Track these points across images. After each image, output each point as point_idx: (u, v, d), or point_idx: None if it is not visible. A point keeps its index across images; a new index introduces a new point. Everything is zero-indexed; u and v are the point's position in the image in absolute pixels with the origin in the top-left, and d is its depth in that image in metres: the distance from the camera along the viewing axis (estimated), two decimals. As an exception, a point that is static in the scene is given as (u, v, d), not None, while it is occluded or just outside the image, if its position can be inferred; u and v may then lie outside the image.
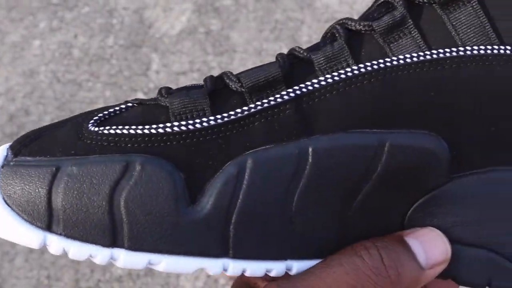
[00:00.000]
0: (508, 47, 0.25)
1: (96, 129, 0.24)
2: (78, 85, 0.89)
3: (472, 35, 0.25)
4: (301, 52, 0.26)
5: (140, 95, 0.86)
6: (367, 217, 0.25)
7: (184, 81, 0.87)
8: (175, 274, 0.68)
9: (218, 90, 0.25)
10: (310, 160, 0.24)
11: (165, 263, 0.23)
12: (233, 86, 0.25)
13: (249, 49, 0.90)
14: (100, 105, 0.85)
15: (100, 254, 0.23)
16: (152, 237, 0.23)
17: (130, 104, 0.25)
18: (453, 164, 0.25)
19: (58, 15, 0.96)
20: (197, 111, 0.24)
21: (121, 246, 0.23)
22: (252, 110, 0.24)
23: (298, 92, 0.24)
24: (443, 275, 0.26)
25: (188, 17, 0.95)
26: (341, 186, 0.24)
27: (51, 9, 0.96)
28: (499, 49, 0.25)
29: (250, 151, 0.24)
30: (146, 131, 0.24)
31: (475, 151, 0.26)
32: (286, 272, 0.25)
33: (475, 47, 0.25)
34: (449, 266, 0.26)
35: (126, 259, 0.23)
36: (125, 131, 0.24)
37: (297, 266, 0.24)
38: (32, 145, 0.24)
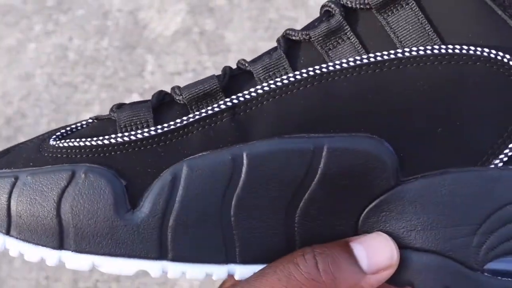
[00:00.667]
0: (450, 47, 0.25)
1: (54, 143, 0.26)
2: (74, 88, 0.89)
3: (412, 36, 0.26)
4: (244, 64, 0.27)
5: (136, 96, 0.86)
6: (318, 222, 0.26)
7: (179, 81, 0.88)
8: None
9: (166, 103, 0.27)
10: (245, 165, 0.25)
11: (107, 265, 0.25)
12: (177, 98, 0.27)
13: (244, 49, 0.91)
14: (96, 106, 0.85)
15: (50, 257, 0.25)
16: (95, 240, 0.25)
17: (90, 121, 0.28)
18: (402, 167, 0.26)
19: (53, 18, 0.96)
20: (141, 123, 0.26)
21: (68, 248, 0.25)
22: (191, 119, 0.26)
23: (235, 101, 0.26)
24: (399, 283, 0.26)
25: (182, 18, 0.95)
26: (281, 191, 0.25)
27: (46, 13, 0.96)
28: (439, 49, 0.25)
29: (187, 158, 0.25)
30: (93, 142, 0.26)
31: (424, 153, 0.26)
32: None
33: (414, 48, 0.25)
34: (405, 273, 0.26)
35: (73, 261, 0.25)
36: (76, 144, 0.26)
37: (240, 270, 0.25)
38: (1, 160, 0.27)
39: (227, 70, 0.27)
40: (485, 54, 0.26)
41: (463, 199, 0.26)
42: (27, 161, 0.26)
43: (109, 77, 0.90)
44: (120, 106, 0.28)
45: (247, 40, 0.92)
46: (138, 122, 0.26)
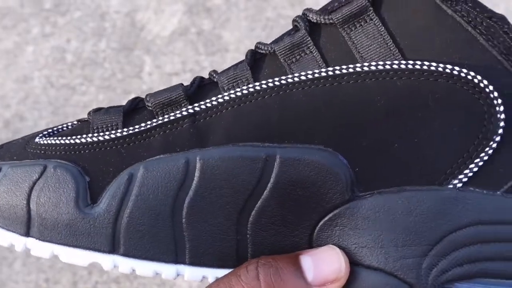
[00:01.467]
0: (410, 62, 0.25)
1: (38, 140, 0.29)
2: (72, 90, 0.89)
3: (374, 51, 0.26)
4: (212, 74, 0.28)
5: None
6: (271, 232, 0.26)
7: (177, 82, 0.87)
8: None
9: (138, 109, 0.29)
10: (197, 169, 0.26)
11: (64, 254, 0.27)
12: (147, 104, 0.28)
13: (241, 48, 0.91)
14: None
15: (18, 243, 0.27)
16: (56, 230, 0.26)
17: (75, 122, 0.30)
18: (358, 182, 0.25)
19: (50, 20, 0.96)
20: (112, 126, 0.28)
21: (33, 236, 0.27)
22: (154, 124, 0.27)
23: (196, 108, 0.27)
24: None
25: (179, 18, 0.95)
26: (233, 198, 0.26)
27: (43, 15, 0.97)
28: (399, 64, 0.25)
29: (145, 160, 0.26)
30: (67, 141, 0.28)
31: (380, 169, 0.26)
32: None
33: (374, 63, 0.26)
34: None
35: (36, 249, 0.27)
36: (53, 141, 0.28)
37: (189, 271, 0.26)
38: None
39: (196, 80, 0.29)
40: (447, 70, 0.26)
41: (417, 219, 0.25)
42: (12, 155, 0.28)
43: (107, 79, 0.90)
44: (97, 110, 0.30)
45: (244, 39, 0.92)
46: (109, 125, 0.28)
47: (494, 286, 0.25)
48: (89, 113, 0.30)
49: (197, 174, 0.26)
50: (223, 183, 0.26)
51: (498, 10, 0.27)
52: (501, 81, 0.26)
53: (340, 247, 0.26)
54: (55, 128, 0.29)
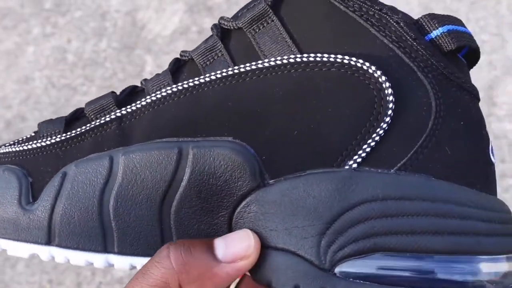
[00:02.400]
0: (305, 55, 0.28)
1: (1, 150, 0.32)
2: (73, 90, 0.89)
3: (275, 49, 0.29)
4: (142, 82, 0.31)
5: (135, 97, 0.86)
6: (194, 221, 0.28)
7: (178, 81, 0.87)
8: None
9: (79, 117, 0.32)
10: (121, 165, 0.29)
11: (9, 248, 0.30)
12: (84, 112, 0.32)
13: (243, 47, 0.91)
14: (96, 108, 0.85)
15: None
16: (3, 226, 0.30)
17: (32, 133, 0.33)
18: (268, 170, 0.28)
19: (51, 20, 0.96)
20: (54, 133, 0.31)
21: None
22: (87, 128, 0.30)
23: (123, 112, 0.30)
24: (260, 281, 0.27)
25: (180, 17, 0.95)
26: (154, 190, 0.28)
27: (44, 15, 0.96)
28: (295, 58, 0.28)
29: (78, 159, 0.30)
30: (17, 148, 0.31)
31: (284, 156, 0.28)
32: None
33: (273, 59, 0.29)
34: (264, 271, 0.27)
35: None
36: (7, 150, 0.32)
37: (118, 261, 0.29)
38: None
39: (129, 88, 0.32)
40: (338, 60, 0.28)
41: (315, 200, 0.27)
42: None
43: (108, 79, 0.90)
44: (47, 121, 0.33)
45: (246, 38, 0.91)
46: (51, 132, 0.31)
47: (389, 261, 0.26)
48: (39, 124, 0.33)
49: (120, 169, 0.28)
50: (143, 176, 0.28)
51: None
52: (392, 67, 0.28)
53: (254, 231, 0.28)
54: (20, 138, 0.33)
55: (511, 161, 0.82)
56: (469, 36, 0.29)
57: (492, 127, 0.84)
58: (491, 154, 0.29)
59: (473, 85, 0.29)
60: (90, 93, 0.88)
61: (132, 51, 0.92)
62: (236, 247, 0.27)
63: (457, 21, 0.30)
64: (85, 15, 0.96)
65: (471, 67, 0.31)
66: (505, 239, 0.27)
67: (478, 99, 0.30)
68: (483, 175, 0.28)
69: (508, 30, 0.89)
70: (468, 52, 0.30)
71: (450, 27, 0.29)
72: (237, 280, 0.34)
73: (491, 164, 0.29)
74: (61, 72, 0.91)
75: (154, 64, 0.90)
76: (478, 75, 0.84)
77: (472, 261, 0.26)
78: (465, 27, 0.30)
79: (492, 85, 0.85)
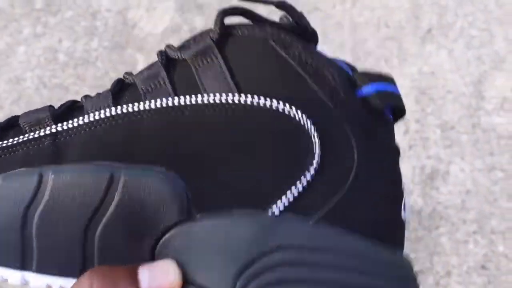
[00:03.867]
0: (243, 96, 0.29)
1: None
2: (65, 89, 0.89)
3: (216, 85, 0.29)
4: (82, 99, 0.31)
5: (127, 96, 0.86)
6: (118, 248, 0.28)
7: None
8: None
9: (15, 126, 0.31)
10: (49, 183, 0.28)
11: None
12: (19, 122, 0.31)
13: (234, 44, 0.91)
14: (88, 107, 0.85)
15: None
16: None
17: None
18: (196, 205, 0.28)
19: (41, 20, 0.96)
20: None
21: None
22: (20, 140, 0.30)
23: (59, 129, 0.30)
24: None
25: (171, 16, 0.95)
26: (81, 212, 0.28)
27: (35, 15, 0.96)
28: (233, 97, 0.29)
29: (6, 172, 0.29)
30: None
31: (213, 193, 0.28)
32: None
33: (212, 96, 0.29)
34: None
35: None
36: None
37: (34, 279, 0.28)
38: None
39: (67, 103, 0.31)
40: (273, 105, 0.28)
41: (234, 242, 0.27)
42: None
43: (100, 78, 0.90)
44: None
45: (236, 35, 0.92)
46: None
47: None
48: None
49: (48, 187, 0.28)
50: (71, 197, 0.28)
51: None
52: (322, 118, 0.29)
53: (177, 263, 0.28)
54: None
55: (500, 154, 0.83)
56: (397, 97, 0.31)
57: (481, 120, 0.85)
58: (402, 211, 0.30)
59: (396, 144, 0.31)
60: (82, 93, 0.88)
61: (124, 50, 0.92)
62: (161, 280, 0.27)
63: (389, 80, 0.31)
64: (76, 14, 0.96)
65: (397, 121, 0.33)
66: None
67: (399, 155, 0.31)
68: (392, 233, 0.30)
69: (496, 25, 0.90)
70: (395, 109, 0.32)
71: (380, 86, 0.30)
72: None
73: (402, 222, 0.30)
74: (53, 72, 0.91)
75: (146, 63, 0.90)
76: (467, 70, 0.85)
77: None
78: (395, 85, 0.31)
79: (481, 80, 0.86)
